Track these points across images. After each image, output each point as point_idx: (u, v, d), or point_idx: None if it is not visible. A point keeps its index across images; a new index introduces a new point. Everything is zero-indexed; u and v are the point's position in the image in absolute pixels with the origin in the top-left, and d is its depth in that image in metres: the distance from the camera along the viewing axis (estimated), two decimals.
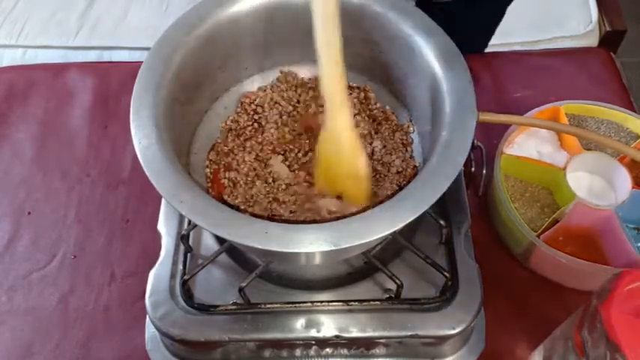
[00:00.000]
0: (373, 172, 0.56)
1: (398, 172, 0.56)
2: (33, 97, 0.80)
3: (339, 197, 0.52)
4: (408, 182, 0.53)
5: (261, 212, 0.53)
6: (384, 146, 0.57)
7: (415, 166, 0.57)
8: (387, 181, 0.55)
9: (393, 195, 0.50)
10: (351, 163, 0.50)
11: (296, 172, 0.56)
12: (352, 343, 0.55)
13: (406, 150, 0.57)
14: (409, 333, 0.53)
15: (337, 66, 0.46)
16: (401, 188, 0.53)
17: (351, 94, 0.60)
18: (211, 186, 0.55)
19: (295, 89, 0.61)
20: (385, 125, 0.59)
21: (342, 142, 0.49)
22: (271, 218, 0.53)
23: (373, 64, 0.60)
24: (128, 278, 0.65)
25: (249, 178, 0.55)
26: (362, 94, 0.61)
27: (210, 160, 0.57)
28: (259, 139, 0.58)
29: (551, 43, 0.97)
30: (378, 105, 0.60)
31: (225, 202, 0.53)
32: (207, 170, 0.57)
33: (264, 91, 0.60)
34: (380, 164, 0.56)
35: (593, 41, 0.98)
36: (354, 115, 0.59)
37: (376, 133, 0.58)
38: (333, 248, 0.43)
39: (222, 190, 0.55)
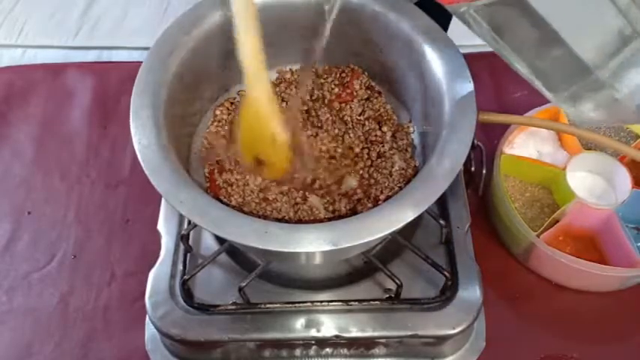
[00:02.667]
0: (374, 173, 0.56)
1: (398, 173, 0.56)
2: (32, 97, 0.80)
3: (259, 162, 0.54)
4: (408, 182, 0.53)
5: (251, 212, 0.53)
6: (384, 146, 0.57)
7: (415, 166, 0.57)
8: (388, 181, 0.55)
9: (393, 195, 0.50)
10: (269, 129, 0.51)
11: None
12: (352, 343, 0.55)
13: (406, 150, 0.57)
14: (409, 333, 0.53)
15: (253, 36, 0.48)
16: (401, 188, 0.53)
17: (368, 98, 0.60)
18: (210, 186, 0.55)
19: None
20: (386, 126, 0.59)
21: (261, 110, 0.51)
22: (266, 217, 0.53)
23: (373, 64, 0.60)
24: (128, 278, 0.65)
25: (241, 180, 0.55)
26: (375, 94, 0.61)
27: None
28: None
29: None
30: (388, 107, 0.60)
31: (223, 203, 0.53)
32: (206, 170, 0.57)
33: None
34: (380, 164, 0.56)
35: None
36: (360, 114, 0.59)
37: (380, 131, 0.58)
38: (333, 248, 0.43)
39: (218, 191, 0.55)
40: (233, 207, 0.53)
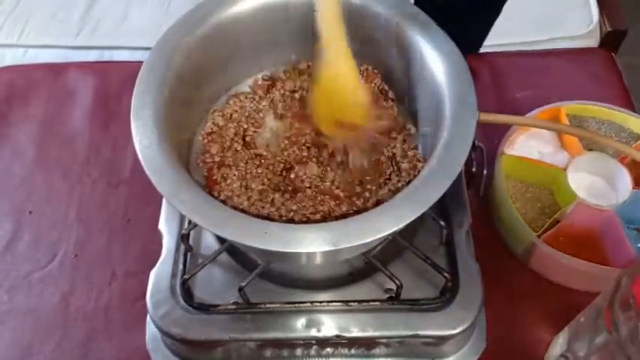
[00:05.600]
0: (375, 173, 0.56)
1: (399, 173, 0.55)
2: (33, 97, 0.80)
3: (340, 125, 0.54)
4: (409, 183, 0.53)
5: (234, 206, 0.53)
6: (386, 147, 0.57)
7: (416, 167, 0.56)
8: (389, 182, 0.55)
9: (394, 196, 0.50)
10: (352, 89, 0.53)
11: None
12: (353, 342, 0.55)
13: (407, 151, 0.57)
14: (410, 333, 0.53)
15: (333, 2, 0.49)
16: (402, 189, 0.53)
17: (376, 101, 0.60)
18: (207, 183, 0.55)
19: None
20: None
21: (342, 71, 0.52)
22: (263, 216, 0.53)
23: (374, 64, 0.60)
24: (129, 278, 0.65)
25: (239, 174, 0.55)
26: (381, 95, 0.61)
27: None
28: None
29: (552, 44, 0.97)
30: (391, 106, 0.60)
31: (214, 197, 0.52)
32: (207, 168, 0.57)
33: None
34: (381, 165, 0.56)
35: (593, 41, 0.98)
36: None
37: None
38: (333, 248, 0.43)
39: (213, 186, 0.54)
40: (222, 201, 0.53)
